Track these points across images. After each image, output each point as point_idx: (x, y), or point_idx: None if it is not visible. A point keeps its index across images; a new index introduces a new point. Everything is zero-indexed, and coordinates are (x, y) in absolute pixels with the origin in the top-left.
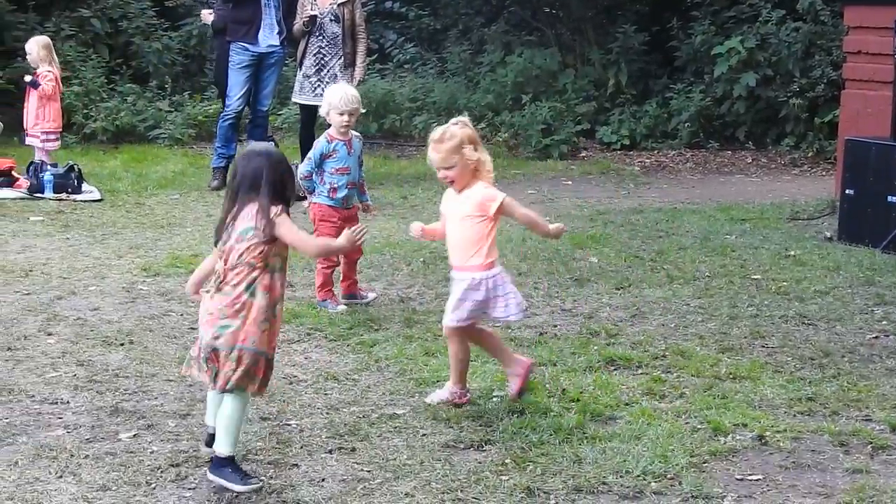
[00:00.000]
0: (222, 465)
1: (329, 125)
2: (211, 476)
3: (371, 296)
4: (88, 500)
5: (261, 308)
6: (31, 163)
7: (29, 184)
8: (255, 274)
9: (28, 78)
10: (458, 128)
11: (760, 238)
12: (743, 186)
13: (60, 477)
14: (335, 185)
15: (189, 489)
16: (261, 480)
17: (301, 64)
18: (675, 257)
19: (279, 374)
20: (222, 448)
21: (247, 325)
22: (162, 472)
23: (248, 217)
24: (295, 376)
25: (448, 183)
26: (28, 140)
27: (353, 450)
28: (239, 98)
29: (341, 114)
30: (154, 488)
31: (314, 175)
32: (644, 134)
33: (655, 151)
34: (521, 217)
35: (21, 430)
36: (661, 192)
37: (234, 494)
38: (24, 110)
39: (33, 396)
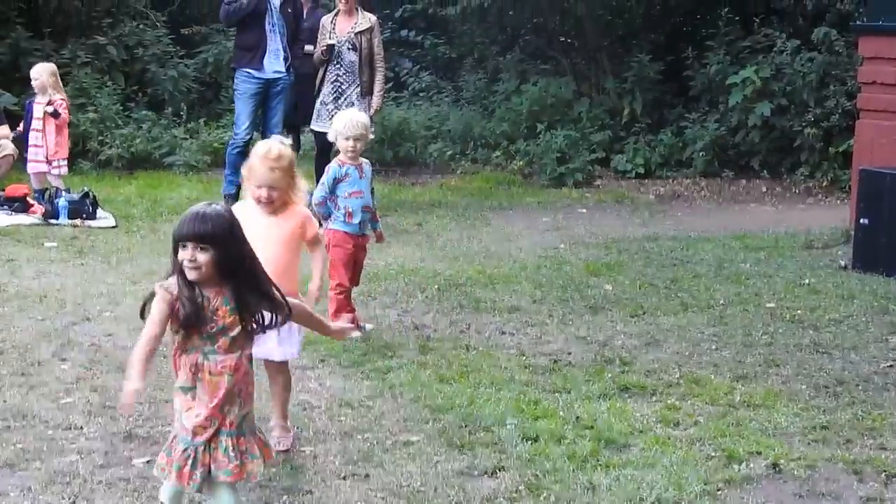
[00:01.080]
0: None
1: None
2: None
3: (368, 327)
4: None
5: None
6: (45, 189)
7: (44, 210)
8: None
9: (49, 108)
10: (289, 150)
11: (775, 266)
12: (758, 215)
13: (73, 503)
14: (350, 210)
15: None
16: None
17: (319, 92)
18: (690, 285)
19: (294, 401)
20: None
21: None
22: None
23: None
24: (309, 402)
25: (263, 202)
26: (42, 168)
27: (367, 476)
28: (247, 127)
29: (347, 139)
30: None
31: (328, 201)
32: (659, 163)
33: (670, 180)
34: (319, 253)
35: (35, 456)
36: (676, 220)
37: None
38: (42, 140)
39: (47, 422)
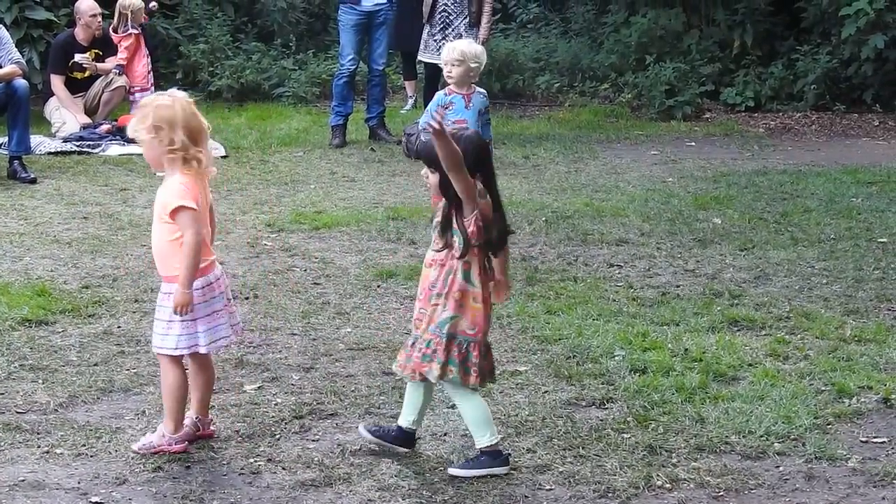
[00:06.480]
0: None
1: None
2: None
3: None
4: (214, 449)
5: None
6: None
7: None
8: None
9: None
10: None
11: (887, 201)
12: (869, 149)
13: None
14: None
15: (313, 441)
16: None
17: (427, 22)
18: (800, 219)
19: (402, 330)
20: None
21: None
22: (286, 423)
23: None
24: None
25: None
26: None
27: None
28: (351, 58)
29: (445, 64)
30: (279, 439)
31: None
32: (769, 96)
33: (780, 113)
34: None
35: (148, 381)
36: (786, 154)
37: (357, 447)
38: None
39: None
